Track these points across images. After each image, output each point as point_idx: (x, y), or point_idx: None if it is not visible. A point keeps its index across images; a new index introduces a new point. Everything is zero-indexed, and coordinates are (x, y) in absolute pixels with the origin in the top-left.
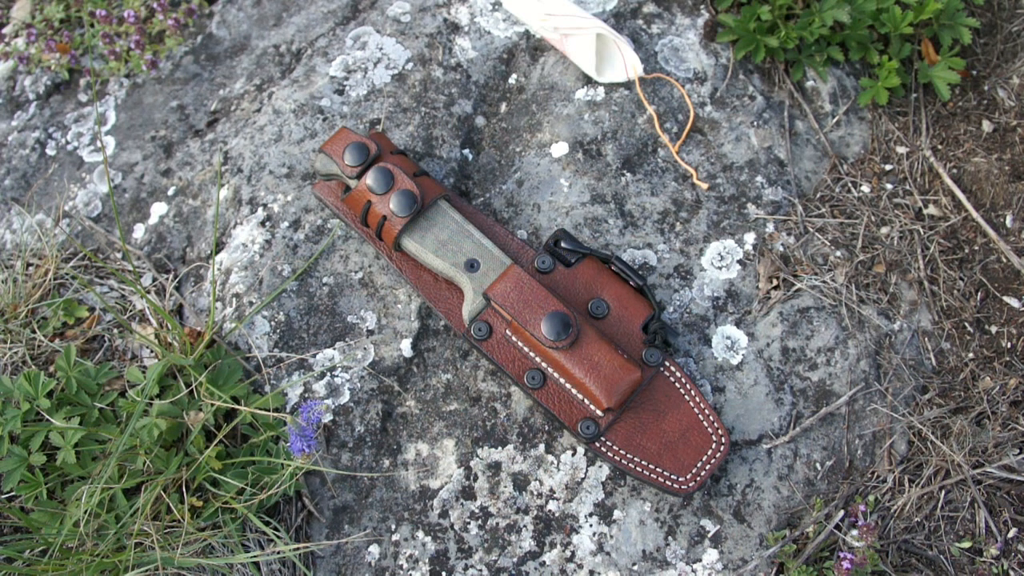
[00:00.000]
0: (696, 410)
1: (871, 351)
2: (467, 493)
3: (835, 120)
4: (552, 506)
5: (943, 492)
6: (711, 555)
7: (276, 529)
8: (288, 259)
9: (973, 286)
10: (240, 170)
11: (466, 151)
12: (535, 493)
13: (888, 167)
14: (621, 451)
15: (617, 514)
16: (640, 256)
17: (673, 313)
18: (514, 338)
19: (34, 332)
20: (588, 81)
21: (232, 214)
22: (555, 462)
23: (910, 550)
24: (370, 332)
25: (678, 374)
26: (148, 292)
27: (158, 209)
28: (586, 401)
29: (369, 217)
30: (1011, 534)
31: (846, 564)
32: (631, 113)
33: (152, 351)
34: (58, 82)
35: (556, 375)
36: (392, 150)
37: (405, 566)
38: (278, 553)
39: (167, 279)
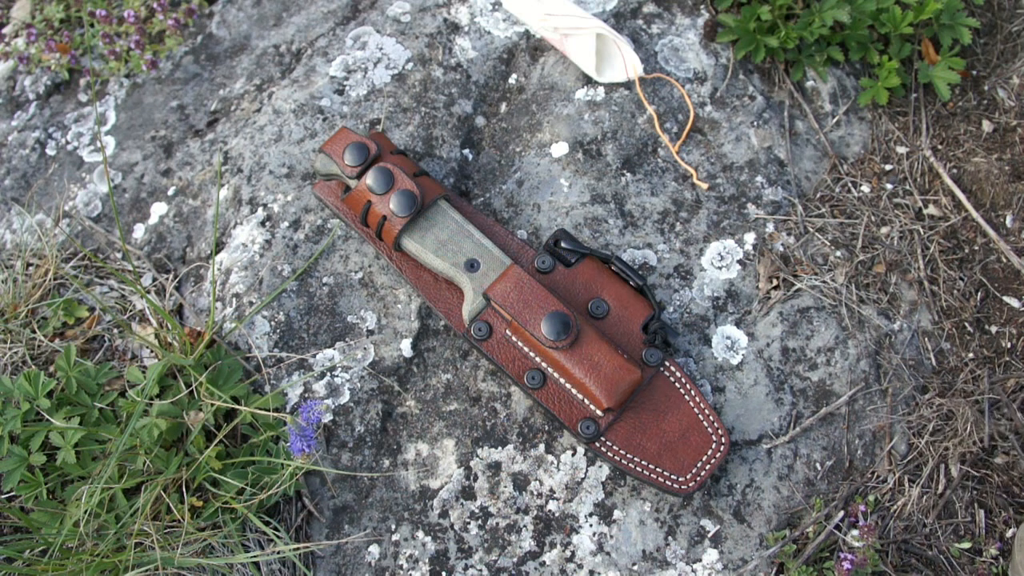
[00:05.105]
0: (696, 410)
1: (871, 351)
2: (467, 493)
3: (835, 120)
4: (552, 506)
5: (943, 492)
6: (711, 555)
7: (276, 529)
8: (288, 259)
9: (973, 286)
10: (240, 170)
11: (466, 151)
12: (535, 493)
13: (888, 167)
14: (621, 451)
15: (617, 514)
16: (640, 256)
17: (673, 313)
18: (514, 338)
19: (34, 332)
20: (588, 81)
21: (232, 214)
22: (555, 462)
23: (910, 550)
24: (370, 332)
25: (678, 374)
26: (148, 292)
27: (158, 209)
28: (586, 401)
29: (369, 217)
30: (1010, 533)
31: (846, 564)
32: (631, 113)
33: (152, 351)
34: (58, 82)
35: (556, 375)
36: (392, 150)
37: (405, 566)
38: (278, 553)
39: (167, 279)
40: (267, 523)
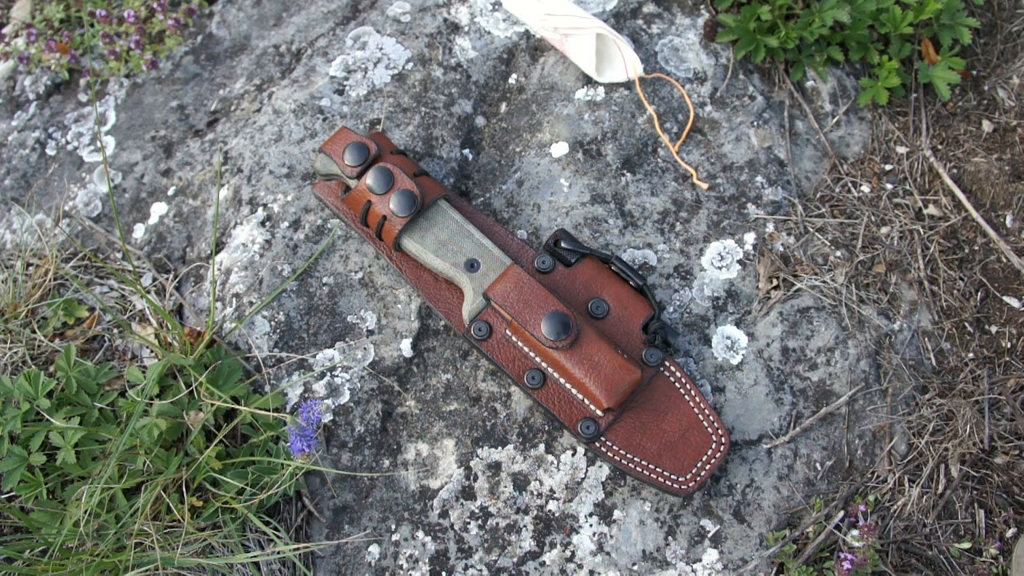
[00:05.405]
0: (696, 410)
1: (871, 351)
2: (467, 493)
3: (835, 120)
4: (552, 506)
5: (943, 492)
6: (711, 555)
7: (276, 529)
8: (288, 259)
9: (973, 286)
10: (240, 170)
11: (466, 151)
12: (535, 493)
13: (888, 167)
14: (621, 451)
15: (617, 514)
16: (640, 256)
17: (673, 313)
18: (514, 338)
19: (34, 332)
20: (588, 81)
21: (232, 214)
22: (555, 462)
23: (910, 550)
24: (370, 332)
25: (678, 374)
26: (148, 292)
27: (158, 209)
28: (586, 401)
29: (369, 217)
30: (1010, 533)
31: (846, 564)
32: (631, 113)
33: (152, 351)
34: (58, 82)
35: (556, 375)
36: (392, 150)
37: (405, 566)
38: (278, 553)
39: (167, 279)
40: (267, 523)
